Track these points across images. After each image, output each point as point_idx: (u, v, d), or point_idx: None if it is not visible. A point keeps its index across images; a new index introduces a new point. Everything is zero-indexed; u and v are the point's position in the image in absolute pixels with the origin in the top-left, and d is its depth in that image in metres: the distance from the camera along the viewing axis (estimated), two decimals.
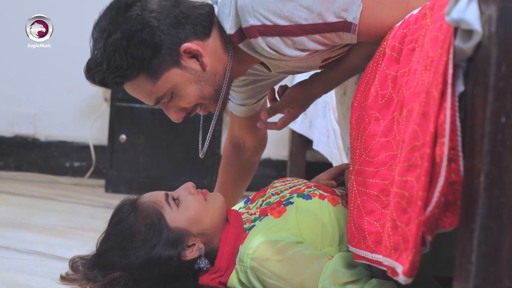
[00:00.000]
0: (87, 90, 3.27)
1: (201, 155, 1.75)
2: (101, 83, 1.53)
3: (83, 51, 1.72)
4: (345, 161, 2.22)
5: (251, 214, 1.68)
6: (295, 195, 1.66)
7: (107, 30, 1.49)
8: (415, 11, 1.38)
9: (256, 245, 1.53)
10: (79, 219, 2.48)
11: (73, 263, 1.64)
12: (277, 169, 3.42)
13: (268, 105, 1.76)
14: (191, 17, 1.55)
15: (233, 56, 1.60)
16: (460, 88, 1.08)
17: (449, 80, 1.07)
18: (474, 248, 1.01)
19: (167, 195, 1.60)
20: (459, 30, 1.06)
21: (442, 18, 1.15)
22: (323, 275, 1.45)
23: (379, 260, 1.31)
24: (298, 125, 2.93)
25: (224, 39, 1.59)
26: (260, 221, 1.61)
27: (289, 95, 1.69)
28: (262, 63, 1.71)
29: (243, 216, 1.68)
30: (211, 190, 1.73)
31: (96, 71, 1.50)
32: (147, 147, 3.09)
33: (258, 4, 1.46)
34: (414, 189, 1.12)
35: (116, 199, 2.89)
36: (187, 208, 1.58)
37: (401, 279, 1.12)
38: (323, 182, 1.80)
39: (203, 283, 1.58)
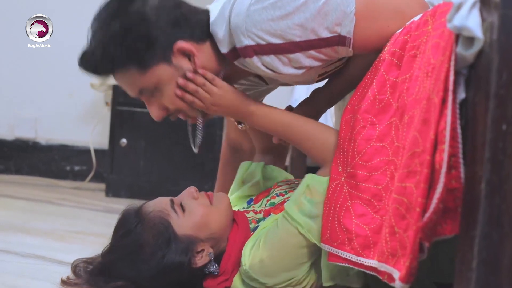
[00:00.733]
0: (88, 94, 3.27)
1: (195, 150, 1.72)
2: (93, 70, 1.53)
3: None
4: None
5: (256, 213, 1.67)
6: None
7: (106, 21, 1.50)
8: (417, 18, 1.37)
9: (248, 253, 1.53)
10: (79, 223, 2.47)
11: (75, 267, 1.60)
12: None
13: None
14: (190, 20, 1.55)
15: (227, 66, 1.59)
16: (461, 95, 1.08)
17: (450, 87, 1.07)
18: (474, 256, 1.01)
19: (172, 201, 1.56)
20: (461, 37, 1.06)
21: (443, 25, 1.15)
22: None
23: (364, 263, 1.31)
24: None
25: (219, 50, 1.56)
26: (263, 221, 1.61)
27: None
28: (258, 77, 1.71)
29: (248, 215, 1.66)
30: None
31: (89, 59, 1.51)
32: (148, 151, 3.09)
33: (251, 25, 1.46)
34: (413, 196, 1.12)
35: (116, 203, 2.91)
36: (191, 214, 1.55)
37: (398, 285, 1.12)
38: None
39: (208, 287, 1.56)
